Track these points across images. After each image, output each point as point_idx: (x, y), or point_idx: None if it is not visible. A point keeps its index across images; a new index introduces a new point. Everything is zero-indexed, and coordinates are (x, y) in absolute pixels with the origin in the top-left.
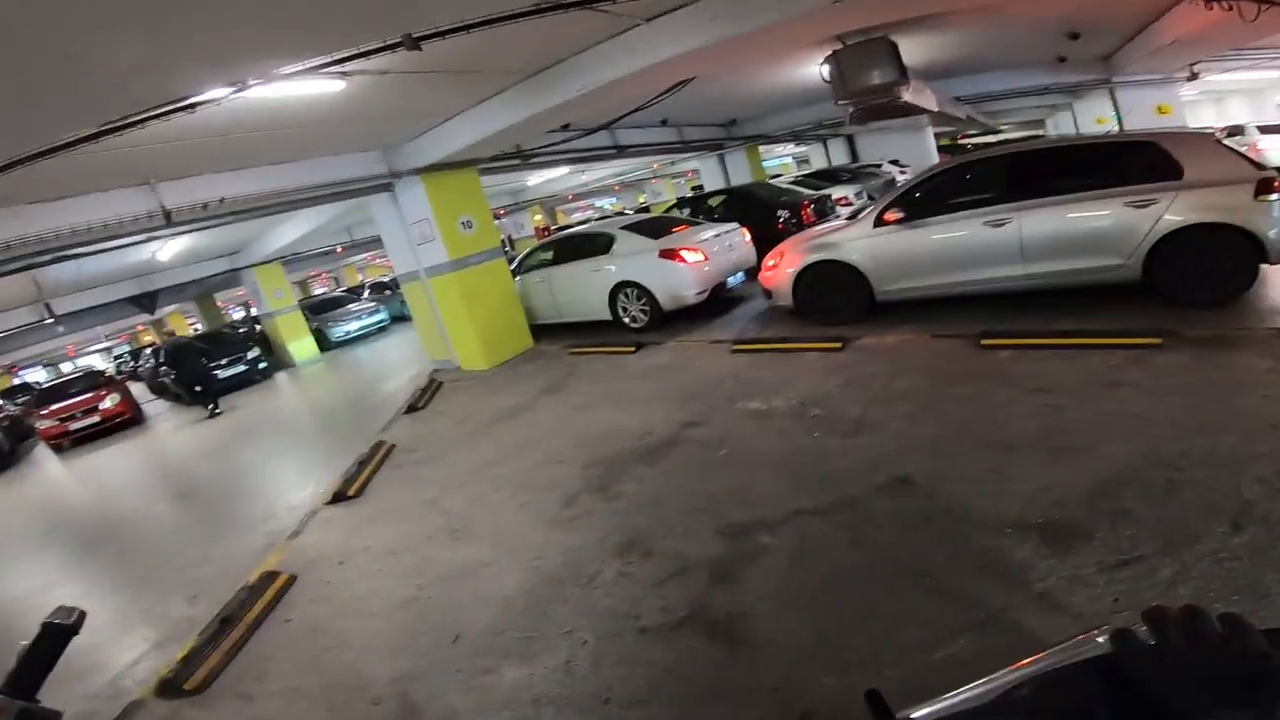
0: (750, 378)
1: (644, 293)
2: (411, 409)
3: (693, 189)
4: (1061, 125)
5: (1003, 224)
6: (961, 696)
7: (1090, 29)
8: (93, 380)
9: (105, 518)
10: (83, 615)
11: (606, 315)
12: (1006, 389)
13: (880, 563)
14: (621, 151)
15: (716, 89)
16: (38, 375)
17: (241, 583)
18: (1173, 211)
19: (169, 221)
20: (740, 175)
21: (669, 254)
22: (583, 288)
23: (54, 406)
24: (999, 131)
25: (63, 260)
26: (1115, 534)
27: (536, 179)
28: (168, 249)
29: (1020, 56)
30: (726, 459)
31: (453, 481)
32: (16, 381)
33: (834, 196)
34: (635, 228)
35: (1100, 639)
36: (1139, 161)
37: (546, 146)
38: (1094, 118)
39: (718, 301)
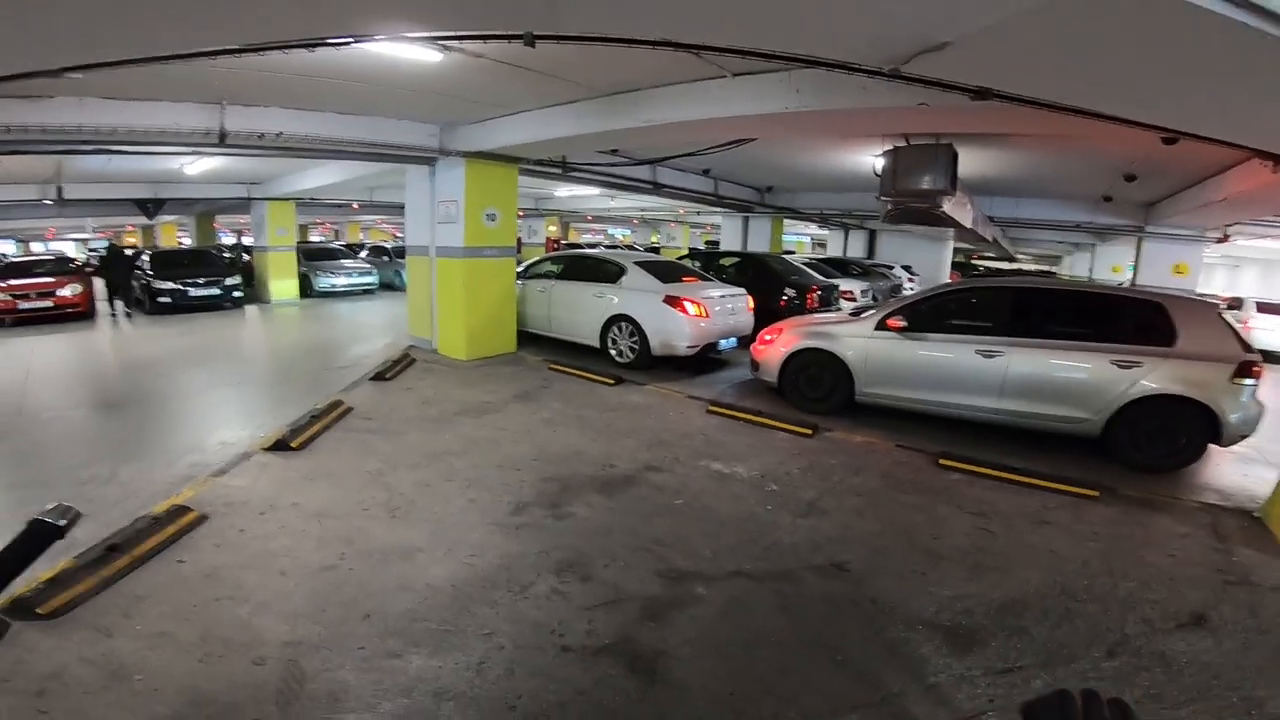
0: (719, 440)
1: (638, 331)
2: (379, 377)
3: (707, 242)
4: (1078, 265)
5: (993, 356)
6: None
7: (1149, 173)
8: (61, 266)
9: (14, 409)
10: (76, 517)
11: (595, 342)
12: (949, 506)
13: (801, 633)
14: (658, 189)
15: (767, 153)
16: (7, 248)
17: (144, 511)
18: (1151, 378)
19: (221, 142)
20: (759, 242)
21: (673, 301)
22: (580, 309)
23: (12, 281)
24: (1015, 260)
25: (103, 153)
26: (1007, 645)
27: (565, 191)
28: (199, 164)
29: (1068, 188)
30: (680, 509)
31: (404, 460)
32: None
33: (841, 288)
34: (647, 266)
35: None
36: (1140, 320)
37: (590, 164)
38: (1111, 264)
39: (705, 359)
